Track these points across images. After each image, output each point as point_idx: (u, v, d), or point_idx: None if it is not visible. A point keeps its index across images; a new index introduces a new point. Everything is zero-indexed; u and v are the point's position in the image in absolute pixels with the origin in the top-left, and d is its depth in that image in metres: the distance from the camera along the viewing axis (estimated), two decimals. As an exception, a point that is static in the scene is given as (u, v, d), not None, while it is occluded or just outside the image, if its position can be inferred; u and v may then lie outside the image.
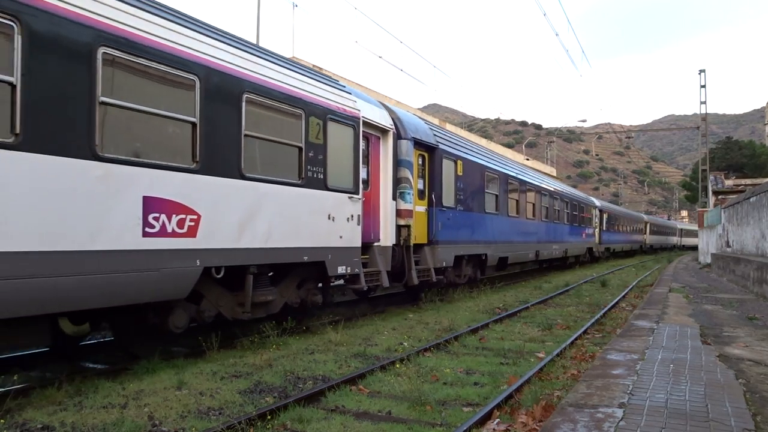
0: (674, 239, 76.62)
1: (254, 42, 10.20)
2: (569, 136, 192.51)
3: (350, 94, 9.69)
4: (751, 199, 18.15)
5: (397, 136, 11.06)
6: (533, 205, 19.89)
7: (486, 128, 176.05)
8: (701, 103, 39.02)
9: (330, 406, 5.21)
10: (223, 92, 6.89)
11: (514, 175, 18.02)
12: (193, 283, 6.51)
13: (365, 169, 10.05)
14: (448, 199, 12.95)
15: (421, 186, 11.97)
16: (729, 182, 38.44)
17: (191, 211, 6.45)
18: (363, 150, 9.85)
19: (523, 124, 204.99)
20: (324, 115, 8.66)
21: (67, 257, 5.16)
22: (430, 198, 12.24)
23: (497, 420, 4.78)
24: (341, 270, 9.04)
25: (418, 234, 11.73)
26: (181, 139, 6.41)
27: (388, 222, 10.72)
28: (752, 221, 18.18)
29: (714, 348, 7.10)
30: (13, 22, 4.84)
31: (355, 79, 25.04)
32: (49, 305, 5.12)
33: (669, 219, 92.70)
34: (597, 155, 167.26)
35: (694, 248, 52.14)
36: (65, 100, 5.25)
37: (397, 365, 6.69)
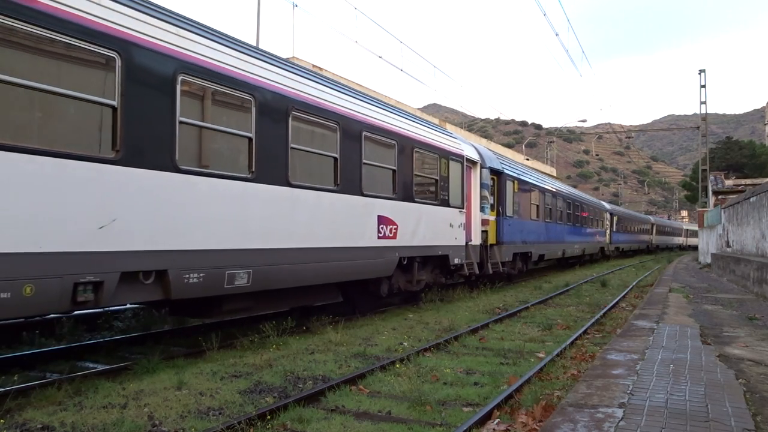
0: (679, 239, 77.31)
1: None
2: (569, 136, 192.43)
3: (457, 139, 13.96)
4: (751, 199, 18.15)
5: (481, 166, 14.90)
6: (561, 211, 24.02)
7: (486, 128, 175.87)
8: (701, 103, 39.01)
9: (330, 406, 5.21)
10: (407, 148, 10.94)
11: (548, 188, 22.31)
12: (394, 267, 10.45)
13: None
14: (509, 210, 16.95)
15: (492, 201, 15.74)
16: (729, 182, 38.43)
17: (394, 223, 10.38)
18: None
19: (523, 124, 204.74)
20: (447, 156, 12.66)
21: (348, 251, 9.08)
22: (498, 210, 16.20)
23: (497, 420, 4.78)
24: (456, 261, 12.84)
25: (491, 237, 15.54)
26: (389, 179, 10.43)
27: (477, 228, 14.52)
28: (752, 221, 18.18)
29: (714, 348, 7.10)
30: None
31: (355, 79, 25.03)
32: (331, 277, 8.87)
33: (669, 219, 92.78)
34: (597, 155, 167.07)
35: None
36: (354, 166, 9.28)
37: (397, 365, 6.69)
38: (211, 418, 4.83)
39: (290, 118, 7.84)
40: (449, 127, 32.56)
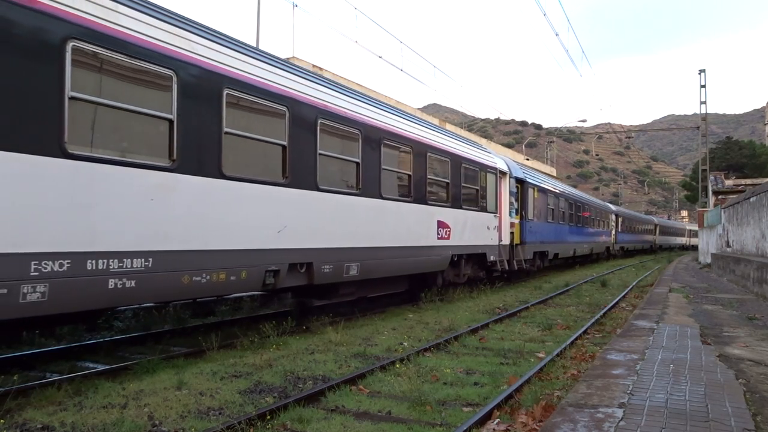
0: (682, 239, 77.64)
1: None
2: (569, 136, 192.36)
3: (491, 153, 16.58)
4: (751, 199, 18.14)
5: (509, 176, 17.02)
6: (572, 214, 26.18)
7: (486, 128, 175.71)
8: (701, 103, 38.97)
9: (330, 406, 5.21)
10: (457, 164, 13.20)
11: (560, 192, 24.40)
12: (448, 263, 12.66)
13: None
14: (530, 214, 19.12)
15: (516, 206, 17.83)
16: (729, 182, 38.40)
17: (448, 226, 12.52)
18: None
19: (523, 124, 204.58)
20: (485, 169, 15.02)
21: (417, 249, 11.17)
22: (521, 214, 18.29)
23: (497, 420, 4.78)
24: (491, 258, 15.08)
25: (516, 237, 17.60)
26: (444, 190, 12.60)
27: (507, 230, 16.62)
28: (752, 221, 18.18)
29: (714, 348, 7.10)
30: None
31: (355, 79, 25.02)
32: (406, 270, 11.05)
33: (669, 219, 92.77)
34: (597, 155, 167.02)
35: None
36: (422, 180, 11.49)
37: (397, 365, 6.69)
38: (211, 418, 4.84)
39: (381, 146, 10.13)
40: (449, 127, 32.66)
